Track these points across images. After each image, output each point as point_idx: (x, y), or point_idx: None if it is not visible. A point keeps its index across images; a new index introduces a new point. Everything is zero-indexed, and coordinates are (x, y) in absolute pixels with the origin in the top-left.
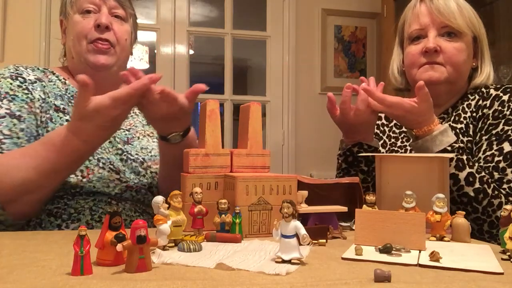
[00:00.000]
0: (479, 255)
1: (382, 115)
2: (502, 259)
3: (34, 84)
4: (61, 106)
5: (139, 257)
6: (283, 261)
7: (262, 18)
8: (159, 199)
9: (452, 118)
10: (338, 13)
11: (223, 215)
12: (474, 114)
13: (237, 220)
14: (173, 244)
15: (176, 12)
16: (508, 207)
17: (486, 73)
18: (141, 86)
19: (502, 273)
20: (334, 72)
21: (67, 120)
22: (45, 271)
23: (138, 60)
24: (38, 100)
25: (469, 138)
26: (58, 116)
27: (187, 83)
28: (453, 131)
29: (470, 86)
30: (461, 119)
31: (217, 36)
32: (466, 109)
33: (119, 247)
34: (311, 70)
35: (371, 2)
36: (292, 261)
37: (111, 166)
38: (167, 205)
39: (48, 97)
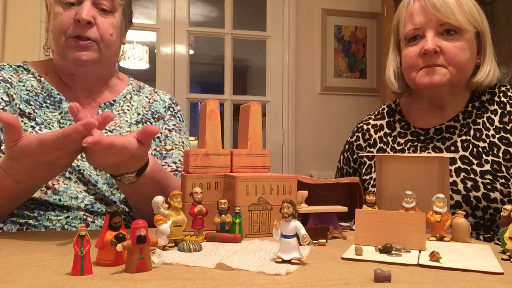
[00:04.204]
0: (479, 255)
1: (384, 123)
2: (502, 259)
3: None
4: (27, 111)
5: (139, 257)
6: (283, 261)
7: (262, 18)
8: (159, 199)
9: (472, 133)
10: (338, 13)
11: (223, 215)
12: (503, 133)
13: (237, 220)
14: (173, 244)
15: (176, 12)
16: (508, 207)
17: (484, 71)
18: (73, 133)
19: (502, 273)
20: (334, 72)
21: (32, 127)
22: (45, 271)
23: (138, 60)
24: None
25: (495, 159)
26: (22, 121)
27: (187, 83)
28: (475, 149)
29: (472, 86)
30: (483, 136)
31: (217, 36)
32: (488, 125)
33: (119, 247)
34: (311, 70)
35: (371, 2)
36: (292, 261)
37: (79, 176)
38: (167, 205)
39: (13, 99)
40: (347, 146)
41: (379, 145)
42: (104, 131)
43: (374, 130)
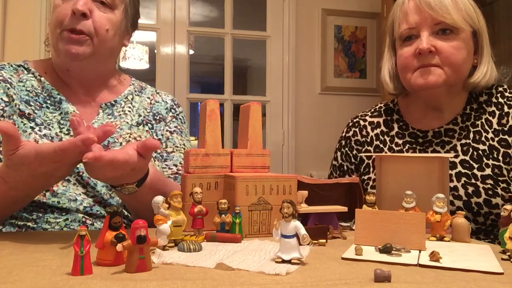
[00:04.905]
0: (479, 255)
1: (381, 121)
2: (502, 259)
3: None
4: (26, 112)
5: (139, 257)
6: (283, 261)
7: (262, 18)
8: (159, 199)
9: (472, 137)
10: (338, 13)
11: (223, 215)
12: (501, 135)
13: (237, 220)
14: (173, 244)
15: (176, 12)
16: (508, 207)
17: (481, 71)
18: (71, 147)
19: (502, 273)
20: (334, 72)
21: (31, 127)
22: (45, 271)
23: (138, 60)
24: None
25: (495, 162)
26: (22, 122)
27: (187, 83)
28: (476, 152)
29: (468, 86)
30: (482, 138)
31: (217, 36)
32: (487, 127)
33: (119, 247)
34: (311, 70)
35: (371, 2)
36: (292, 261)
37: (78, 178)
38: (167, 205)
39: (13, 100)
40: (343, 142)
41: (375, 142)
42: None
43: (371, 127)
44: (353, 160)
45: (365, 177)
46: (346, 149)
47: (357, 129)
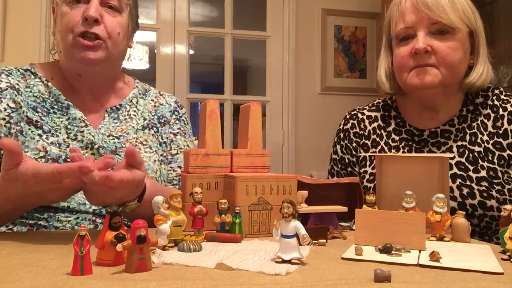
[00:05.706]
0: (479, 255)
1: (378, 115)
2: (502, 259)
3: (4, 92)
4: (34, 119)
5: (139, 257)
6: (283, 261)
7: (262, 18)
8: (159, 199)
9: (468, 139)
10: (338, 13)
11: (223, 215)
12: (496, 138)
13: (237, 220)
14: (173, 244)
15: (176, 12)
16: (508, 207)
17: (477, 72)
18: (67, 171)
19: (502, 273)
20: (334, 72)
21: (39, 135)
22: (45, 271)
23: (138, 60)
24: (5, 110)
25: (490, 165)
26: (29, 129)
27: (187, 83)
28: (471, 154)
29: (464, 87)
30: (478, 140)
31: (217, 36)
32: (482, 130)
33: (119, 247)
34: (311, 70)
35: (371, 2)
36: (292, 261)
37: None
38: (167, 205)
39: (21, 107)
40: (342, 135)
41: (372, 136)
42: (110, 137)
43: (369, 121)
44: (353, 152)
45: (361, 170)
46: (346, 141)
47: (355, 122)
